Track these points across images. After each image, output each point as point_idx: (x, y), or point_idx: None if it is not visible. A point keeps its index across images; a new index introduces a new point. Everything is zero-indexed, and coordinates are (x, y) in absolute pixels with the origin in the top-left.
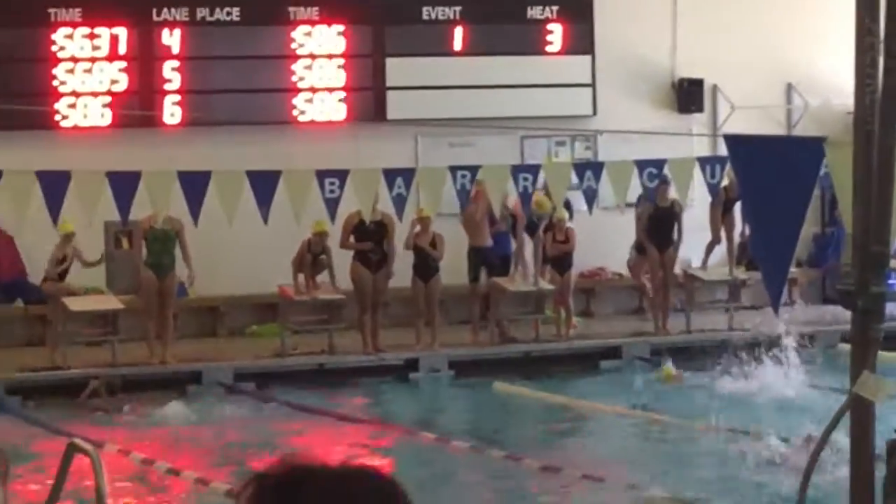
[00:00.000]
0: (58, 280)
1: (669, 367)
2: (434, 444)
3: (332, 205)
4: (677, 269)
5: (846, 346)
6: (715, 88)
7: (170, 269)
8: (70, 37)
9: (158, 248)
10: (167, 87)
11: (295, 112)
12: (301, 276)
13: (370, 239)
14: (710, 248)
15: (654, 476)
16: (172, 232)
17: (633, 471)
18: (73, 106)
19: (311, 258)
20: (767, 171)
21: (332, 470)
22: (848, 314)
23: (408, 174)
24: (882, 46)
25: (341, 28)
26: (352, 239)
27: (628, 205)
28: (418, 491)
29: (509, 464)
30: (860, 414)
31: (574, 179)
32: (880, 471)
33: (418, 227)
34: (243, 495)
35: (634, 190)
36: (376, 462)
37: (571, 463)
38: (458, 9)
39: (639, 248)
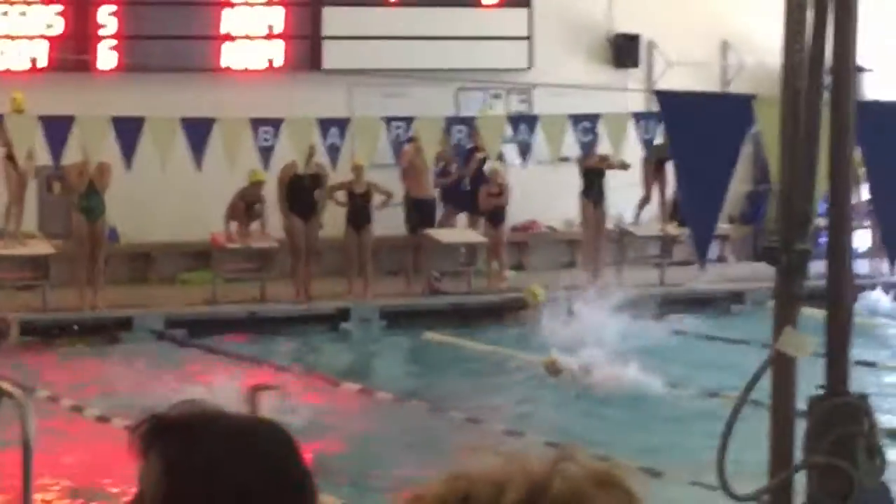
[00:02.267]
0: None
1: (554, 356)
2: (357, 395)
3: (265, 153)
4: (610, 225)
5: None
6: (651, 44)
7: (100, 214)
8: None
9: (89, 196)
10: (102, 31)
11: (230, 59)
12: (233, 224)
13: (305, 191)
14: (641, 205)
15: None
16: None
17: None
18: (5, 49)
19: (244, 206)
20: (697, 128)
21: (229, 417)
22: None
23: (342, 124)
24: (811, 4)
25: None
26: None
27: (561, 159)
28: (339, 442)
29: (433, 415)
30: (782, 370)
31: (508, 132)
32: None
33: (352, 177)
34: (137, 431)
35: (568, 144)
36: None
37: (494, 415)
38: None
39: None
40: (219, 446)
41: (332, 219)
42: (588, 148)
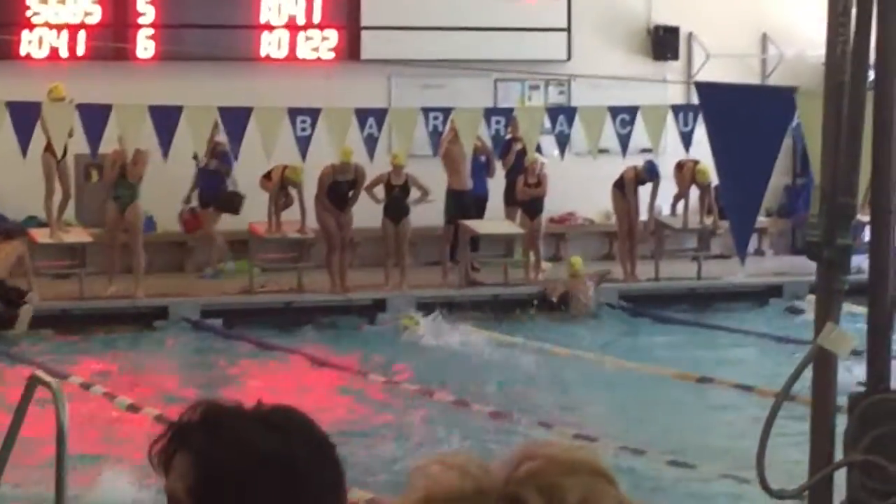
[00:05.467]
0: None
1: (412, 315)
2: (384, 387)
3: (303, 143)
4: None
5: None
6: (690, 36)
7: (129, 201)
8: None
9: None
10: (141, 20)
11: (269, 48)
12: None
13: (346, 196)
14: (676, 199)
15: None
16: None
17: (588, 417)
18: (45, 37)
19: (278, 198)
20: (738, 120)
21: (246, 409)
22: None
23: (380, 114)
24: None
25: None
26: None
27: (600, 151)
28: (365, 434)
29: (459, 409)
30: (822, 366)
31: (547, 124)
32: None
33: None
34: (156, 447)
35: (606, 136)
36: (327, 402)
37: (527, 407)
38: None
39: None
40: (244, 427)
41: (370, 210)
42: (626, 140)
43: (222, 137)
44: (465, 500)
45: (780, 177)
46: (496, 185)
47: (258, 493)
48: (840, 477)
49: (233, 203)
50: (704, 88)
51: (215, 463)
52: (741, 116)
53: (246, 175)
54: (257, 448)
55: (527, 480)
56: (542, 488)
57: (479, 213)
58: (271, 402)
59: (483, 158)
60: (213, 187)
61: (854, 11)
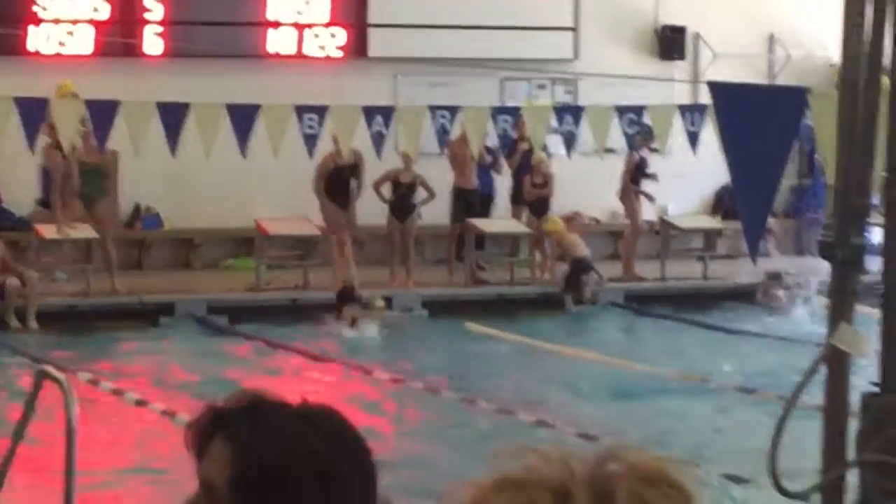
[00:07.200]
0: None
1: (376, 299)
2: (391, 385)
3: (310, 141)
4: (654, 216)
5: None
6: (697, 36)
7: (98, 198)
8: None
9: (86, 179)
10: (149, 16)
11: (276, 45)
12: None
13: (346, 183)
14: None
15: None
16: (103, 165)
17: (590, 416)
18: (52, 33)
19: None
20: (750, 120)
21: (291, 406)
22: (822, 266)
23: (387, 112)
24: None
25: None
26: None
27: (607, 150)
28: (369, 433)
29: (465, 406)
30: (836, 366)
31: (554, 123)
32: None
33: (400, 166)
34: (197, 425)
35: (613, 136)
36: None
37: (530, 407)
38: None
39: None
40: (289, 424)
41: (376, 207)
42: (632, 140)
43: None
44: (550, 488)
45: (786, 178)
46: (502, 184)
47: (300, 493)
48: (852, 478)
49: None
50: (717, 87)
51: (260, 458)
52: (753, 116)
53: (252, 172)
54: (303, 447)
55: (623, 486)
56: (635, 496)
57: (484, 212)
58: (315, 401)
59: (489, 158)
60: None
61: (869, 12)
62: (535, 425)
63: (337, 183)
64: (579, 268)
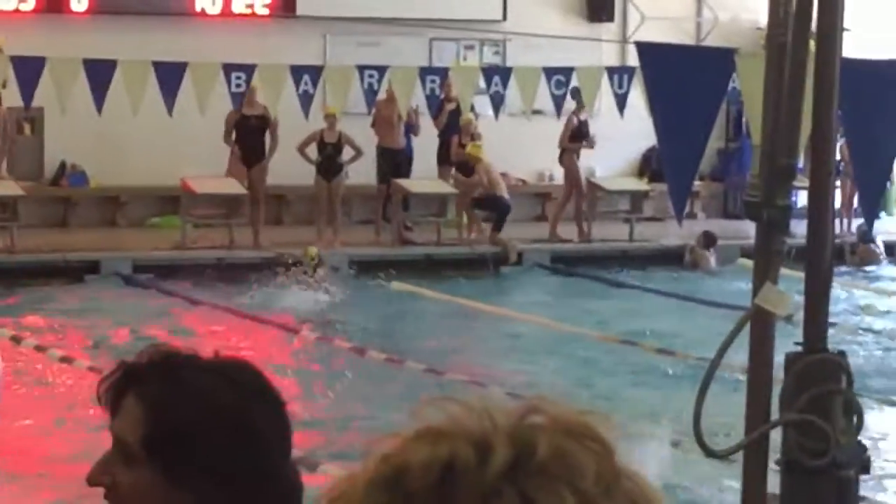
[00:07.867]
0: None
1: (312, 249)
2: (317, 343)
3: (237, 99)
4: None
5: (745, 261)
6: None
7: None
8: None
9: None
10: None
11: (204, 3)
12: None
13: (253, 133)
14: None
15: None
16: None
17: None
18: None
19: None
20: (677, 81)
21: (203, 360)
22: (748, 229)
23: (315, 72)
24: None
25: None
26: (233, 135)
27: (534, 112)
28: (299, 392)
29: (392, 365)
30: (760, 326)
31: (482, 84)
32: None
33: (325, 126)
34: (108, 381)
35: (541, 98)
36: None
37: (457, 366)
38: None
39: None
40: (202, 379)
41: (302, 167)
42: (560, 101)
43: None
44: (471, 439)
45: (713, 140)
46: (424, 144)
47: (211, 446)
48: (776, 437)
49: None
50: (644, 48)
51: (172, 414)
52: (680, 77)
53: (179, 130)
54: (215, 401)
55: (544, 438)
56: (556, 449)
57: (406, 172)
58: (227, 355)
59: (413, 118)
60: None
61: None
62: (464, 384)
63: (245, 137)
64: (500, 205)
